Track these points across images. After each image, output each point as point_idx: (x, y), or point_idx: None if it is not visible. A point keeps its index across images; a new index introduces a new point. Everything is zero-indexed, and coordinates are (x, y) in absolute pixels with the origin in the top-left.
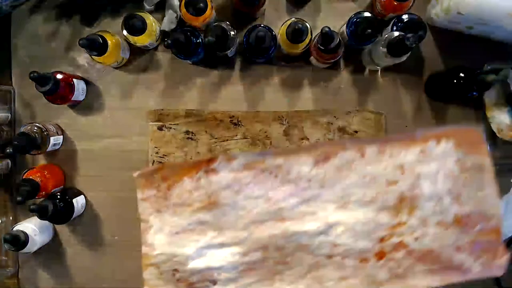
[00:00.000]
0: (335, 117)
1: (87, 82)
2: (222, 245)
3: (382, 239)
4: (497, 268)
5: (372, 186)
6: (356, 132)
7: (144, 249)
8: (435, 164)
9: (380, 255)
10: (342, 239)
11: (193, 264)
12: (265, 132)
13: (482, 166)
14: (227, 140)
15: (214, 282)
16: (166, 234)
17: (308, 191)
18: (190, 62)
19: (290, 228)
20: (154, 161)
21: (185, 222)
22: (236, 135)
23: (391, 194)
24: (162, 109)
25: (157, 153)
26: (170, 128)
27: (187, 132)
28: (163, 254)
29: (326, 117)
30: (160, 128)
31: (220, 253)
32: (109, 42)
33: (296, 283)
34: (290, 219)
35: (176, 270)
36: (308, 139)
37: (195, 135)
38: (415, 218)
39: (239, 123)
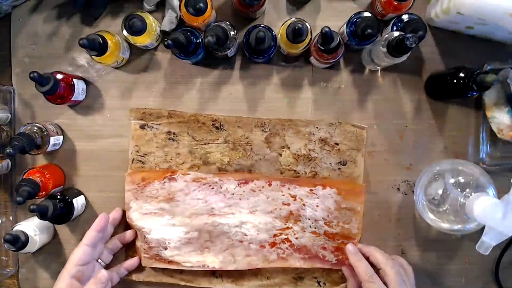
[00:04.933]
0: (317, 127)
1: (87, 82)
2: (173, 225)
3: (275, 235)
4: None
5: (272, 203)
6: (337, 144)
7: (127, 219)
8: (318, 200)
9: (273, 244)
10: (249, 232)
11: (152, 235)
12: (247, 138)
13: (354, 208)
14: (208, 143)
15: (165, 248)
16: (139, 213)
17: (231, 200)
18: (190, 62)
19: (217, 220)
20: (134, 159)
21: (152, 208)
22: (218, 139)
23: (284, 210)
24: (145, 108)
25: (137, 151)
26: (152, 127)
27: (168, 132)
28: (136, 225)
29: (308, 127)
30: (142, 127)
31: (171, 230)
32: (109, 42)
33: (218, 255)
34: (218, 215)
35: (145, 236)
36: (288, 147)
37: (176, 136)
38: (298, 226)
39: (222, 127)
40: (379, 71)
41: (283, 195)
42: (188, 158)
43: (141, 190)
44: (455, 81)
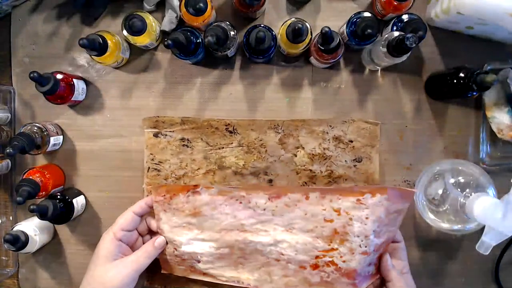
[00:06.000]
0: (330, 126)
1: (87, 82)
2: (203, 239)
3: (317, 257)
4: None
5: (311, 220)
6: (351, 141)
7: (158, 230)
8: (367, 211)
9: (315, 267)
10: (286, 251)
11: (184, 248)
12: (261, 140)
13: (401, 210)
14: (223, 147)
15: (198, 261)
16: (169, 226)
17: (262, 216)
18: (190, 62)
19: (249, 238)
20: (149, 168)
21: (180, 221)
22: (232, 143)
23: (327, 228)
24: (158, 116)
25: (152, 160)
26: (166, 135)
27: (182, 139)
28: (167, 237)
29: (322, 126)
30: (155, 135)
31: (201, 244)
32: (109, 42)
33: (253, 272)
34: (249, 232)
35: (175, 248)
36: (303, 148)
37: (190, 142)
38: (345, 247)
39: (235, 131)
40: (379, 71)
41: (324, 210)
42: (203, 164)
43: (168, 202)
44: (455, 81)
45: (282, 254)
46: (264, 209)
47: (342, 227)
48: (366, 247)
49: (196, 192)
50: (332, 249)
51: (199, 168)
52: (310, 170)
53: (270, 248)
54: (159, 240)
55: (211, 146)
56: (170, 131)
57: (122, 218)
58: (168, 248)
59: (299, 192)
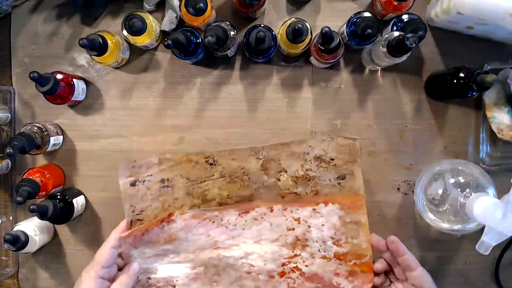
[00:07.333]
0: (310, 146)
1: (87, 82)
2: (178, 262)
3: (283, 264)
4: None
5: (276, 230)
6: (333, 159)
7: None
8: (322, 219)
9: (282, 274)
10: (256, 263)
11: (159, 274)
12: (242, 168)
13: (359, 221)
14: (204, 181)
15: (174, 286)
16: (141, 259)
17: (233, 231)
18: (190, 62)
19: (222, 253)
20: (132, 221)
21: (154, 251)
22: (213, 175)
23: (290, 236)
24: (135, 161)
25: (133, 211)
26: (144, 181)
27: (162, 180)
28: (142, 268)
29: (302, 147)
30: (133, 184)
31: (177, 267)
32: (109, 42)
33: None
34: (222, 248)
35: (149, 278)
36: (286, 171)
37: (171, 182)
38: (306, 252)
39: (215, 162)
40: (379, 71)
41: (287, 219)
42: (186, 200)
43: (139, 238)
44: (455, 81)
45: (253, 266)
46: (235, 225)
47: (302, 234)
48: (325, 251)
49: (171, 220)
50: (295, 255)
51: (182, 206)
52: (295, 193)
53: (241, 261)
54: (133, 267)
55: (193, 181)
56: (148, 175)
57: (100, 255)
58: (140, 280)
59: (265, 206)
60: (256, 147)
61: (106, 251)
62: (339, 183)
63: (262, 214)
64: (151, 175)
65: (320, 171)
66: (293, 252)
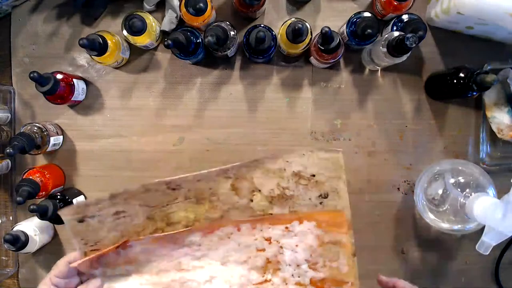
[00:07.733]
0: (287, 161)
1: (87, 82)
2: (141, 284)
3: None
4: None
5: (245, 251)
6: (314, 175)
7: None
8: (296, 238)
9: None
10: (221, 287)
11: None
12: (210, 189)
13: (338, 241)
14: (167, 204)
15: None
16: (105, 277)
17: (198, 252)
18: (190, 62)
19: (186, 276)
20: (86, 252)
21: (116, 271)
22: (177, 198)
23: (260, 258)
24: (78, 207)
25: (86, 244)
26: (94, 216)
27: (116, 212)
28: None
29: (277, 163)
30: (81, 221)
31: None
32: (109, 42)
33: None
34: (186, 270)
35: None
36: (259, 190)
37: (127, 213)
38: (278, 277)
39: (178, 186)
40: (379, 71)
41: (256, 239)
42: (148, 224)
43: (95, 266)
44: (455, 81)
45: None
46: (200, 245)
47: (274, 256)
48: (299, 277)
49: (128, 246)
50: (266, 281)
51: (143, 229)
52: (271, 214)
53: (206, 286)
54: (93, 281)
55: (153, 207)
56: (98, 211)
57: (56, 265)
58: None
59: (231, 225)
60: (225, 168)
61: (61, 263)
62: (320, 203)
63: (229, 234)
64: (102, 210)
65: (299, 189)
66: (263, 277)
